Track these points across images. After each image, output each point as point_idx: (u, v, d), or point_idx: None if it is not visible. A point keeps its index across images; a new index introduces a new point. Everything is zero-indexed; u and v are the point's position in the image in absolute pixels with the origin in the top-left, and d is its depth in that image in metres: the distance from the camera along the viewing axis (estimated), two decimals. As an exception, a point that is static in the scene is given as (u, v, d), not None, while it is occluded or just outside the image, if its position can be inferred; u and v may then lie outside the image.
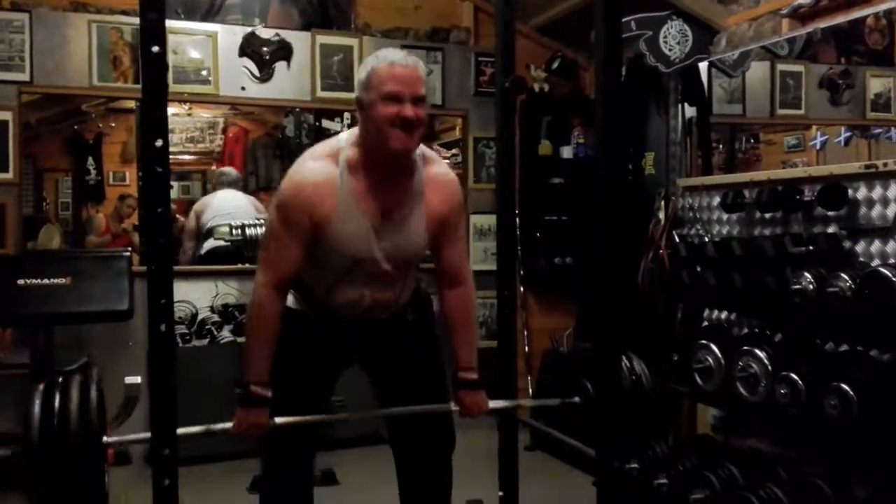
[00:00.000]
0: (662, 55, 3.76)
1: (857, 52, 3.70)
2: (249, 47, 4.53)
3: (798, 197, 2.94)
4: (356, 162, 2.13)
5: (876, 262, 2.65)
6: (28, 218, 5.78)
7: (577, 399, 2.53)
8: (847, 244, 2.76)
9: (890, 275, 2.39)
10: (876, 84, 3.73)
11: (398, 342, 2.37)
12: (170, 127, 2.05)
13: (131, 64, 4.30)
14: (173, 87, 4.20)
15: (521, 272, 4.91)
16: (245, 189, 6.52)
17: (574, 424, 4.14)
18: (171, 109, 6.26)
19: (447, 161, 5.61)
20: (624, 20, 3.43)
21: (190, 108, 7.24)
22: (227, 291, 4.53)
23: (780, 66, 3.84)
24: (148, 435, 1.96)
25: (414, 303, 2.41)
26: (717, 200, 3.40)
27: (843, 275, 2.55)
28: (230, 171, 5.73)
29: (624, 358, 2.51)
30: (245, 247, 4.25)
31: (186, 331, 4.34)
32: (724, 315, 3.43)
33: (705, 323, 3.51)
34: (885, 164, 2.68)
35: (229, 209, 5.04)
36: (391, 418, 2.44)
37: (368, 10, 4.91)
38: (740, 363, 2.88)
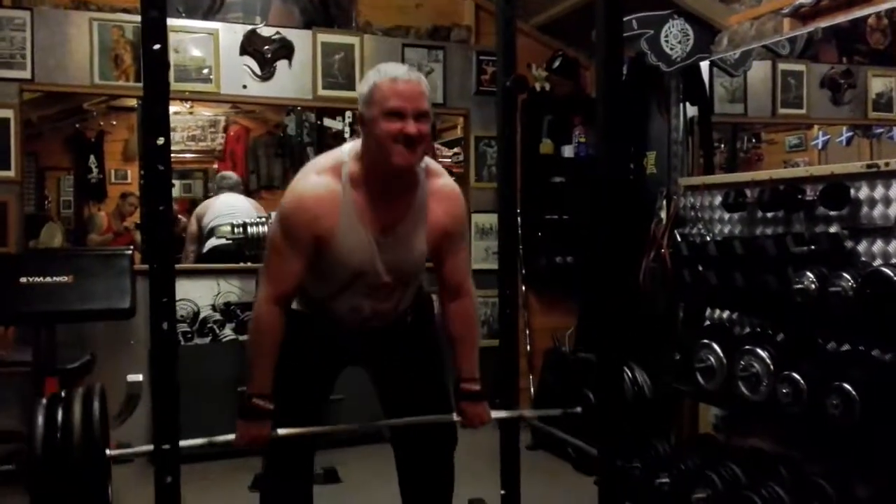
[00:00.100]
0: (664, 54, 3.76)
1: (858, 52, 3.69)
2: (251, 46, 4.53)
3: (800, 196, 2.94)
4: (359, 176, 2.13)
5: (878, 262, 2.65)
6: (30, 216, 5.79)
7: (578, 409, 2.52)
8: (849, 244, 2.75)
9: (892, 274, 2.39)
10: (877, 83, 3.73)
11: (398, 342, 2.37)
12: (171, 125, 2.05)
13: (133, 62, 4.30)
14: (175, 86, 4.20)
15: (523, 271, 4.91)
16: (246, 188, 6.54)
17: (575, 425, 4.15)
18: (173, 108, 6.26)
19: (448, 160, 5.62)
20: (625, 19, 3.44)
21: (191, 107, 7.24)
22: (229, 290, 4.54)
23: (782, 66, 3.84)
24: (151, 447, 1.96)
25: (414, 304, 2.41)
26: (718, 200, 3.40)
27: (845, 274, 2.55)
28: (230, 175, 5.75)
29: (626, 368, 2.50)
30: (246, 245, 4.25)
31: (188, 329, 4.35)
32: (725, 314, 3.42)
33: (707, 322, 3.51)
34: (887, 164, 2.67)
35: (230, 211, 5.05)
36: (393, 416, 2.44)
37: (369, 8, 4.91)
38: (742, 362, 2.88)
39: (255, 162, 7.51)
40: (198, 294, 4.47)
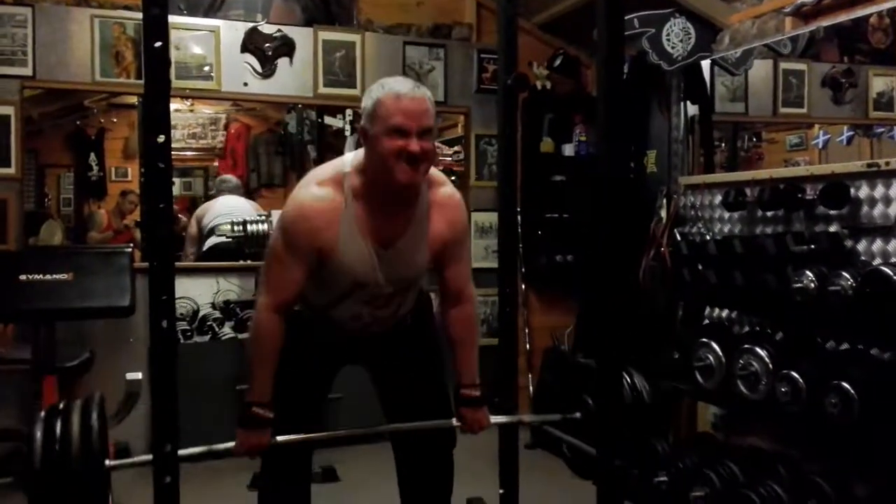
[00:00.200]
0: (665, 53, 3.75)
1: (859, 51, 3.69)
2: (252, 43, 4.52)
3: (800, 195, 2.94)
4: (360, 188, 2.12)
5: (877, 261, 2.66)
6: (30, 214, 5.79)
7: (577, 415, 2.52)
8: (849, 243, 2.75)
9: (891, 274, 2.39)
10: (878, 83, 3.73)
11: (398, 342, 2.38)
12: (172, 123, 2.05)
13: (134, 59, 4.29)
14: (175, 83, 4.21)
15: (523, 270, 4.91)
16: (247, 186, 6.55)
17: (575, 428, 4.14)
18: (174, 105, 6.24)
19: (449, 158, 5.62)
20: (626, 17, 3.43)
21: (192, 104, 7.24)
22: (229, 288, 4.54)
23: (783, 65, 3.84)
24: (150, 457, 1.96)
25: (414, 306, 2.41)
26: (718, 199, 3.40)
27: (845, 273, 2.55)
28: (230, 178, 5.79)
29: (625, 374, 2.51)
30: (246, 243, 4.25)
31: (188, 327, 4.35)
32: (725, 313, 3.43)
33: (706, 321, 3.51)
34: (888, 163, 2.67)
35: (230, 210, 5.05)
36: (392, 416, 2.44)
37: (371, 6, 4.91)
38: (741, 361, 2.88)
39: (256, 160, 7.52)
40: (197, 292, 4.47)
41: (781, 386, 2.70)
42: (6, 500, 3.42)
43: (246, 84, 4.57)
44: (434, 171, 2.25)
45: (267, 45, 4.55)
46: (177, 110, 7.16)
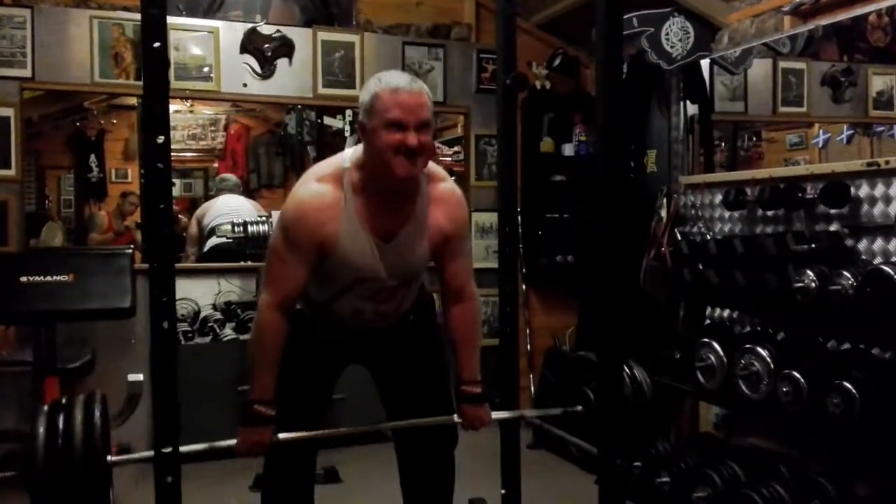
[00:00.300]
0: (664, 52, 3.75)
1: (859, 50, 3.69)
2: (251, 44, 4.52)
3: (800, 195, 2.94)
4: (360, 183, 2.12)
5: (878, 260, 2.66)
6: (30, 215, 5.79)
7: (578, 408, 2.52)
8: (849, 242, 2.75)
9: (892, 273, 2.39)
10: (878, 82, 3.73)
11: (400, 341, 2.38)
12: (171, 124, 2.04)
13: (133, 60, 4.29)
14: (175, 84, 4.20)
15: (523, 270, 4.91)
16: (246, 187, 6.55)
17: (576, 424, 4.14)
18: (173, 106, 6.26)
19: (449, 159, 5.61)
20: (625, 17, 3.43)
21: (192, 105, 7.24)
22: (230, 289, 4.54)
23: (783, 64, 3.84)
24: (151, 453, 1.95)
25: (416, 304, 2.41)
26: (719, 198, 3.40)
27: (846, 273, 2.55)
28: (230, 177, 5.78)
29: (626, 367, 2.51)
30: (247, 244, 4.25)
31: (189, 328, 4.35)
32: (726, 313, 3.42)
33: (707, 321, 3.51)
34: (888, 162, 2.67)
35: (230, 211, 5.05)
36: (394, 416, 2.44)
37: (370, 6, 4.91)
38: (742, 361, 2.88)
39: (256, 161, 7.51)
40: (198, 293, 4.47)
41: (783, 386, 2.70)
42: (6, 501, 3.42)
43: (245, 85, 4.57)
44: (434, 167, 2.25)
45: (266, 45, 4.54)
46: (176, 111, 7.15)
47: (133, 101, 6.10)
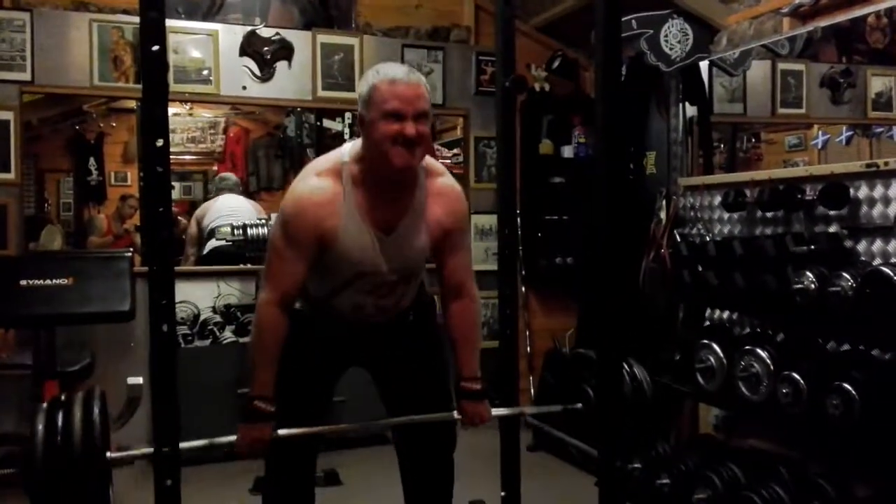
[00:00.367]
0: (663, 54, 3.75)
1: (858, 51, 3.70)
2: (250, 47, 4.53)
3: (799, 196, 2.94)
4: (359, 176, 2.13)
5: (877, 262, 2.65)
6: (29, 218, 5.79)
7: (578, 405, 2.52)
8: (848, 243, 2.76)
9: (891, 274, 2.39)
10: (877, 83, 3.73)
11: (400, 341, 2.38)
12: (171, 127, 2.04)
13: (132, 63, 4.30)
14: (174, 87, 4.21)
15: (523, 272, 4.91)
16: (246, 190, 6.54)
17: (576, 425, 4.14)
18: (172, 109, 6.26)
19: (448, 161, 5.62)
20: (624, 19, 3.43)
21: (191, 108, 7.24)
22: (230, 292, 4.54)
23: (781, 65, 3.84)
24: (151, 450, 1.95)
25: (416, 303, 2.41)
26: (718, 200, 3.40)
27: (845, 274, 2.55)
28: (229, 176, 5.74)
29: (625, 364, 2.50)
30: (247, 247, 4.24)
31: (188, 331, 4.35)
32: (725, 315, 3.42)
33: (707, 322, 3.51)
34: (887, 163, 2.68)
35: (230, 212, 5.05)
36: (394, 414, 2.44)
37: (369, 9, 4.91)
38: (742, 363, 2.88)
39: (255, 163, 7.51)
40: (198, 296, 4.47)
41: (783, 387, 2.70)
42: (6, 502, 3.42)
43: (245, 88, 4.57)
44: (433, 162, 2.27)
45: (265, 48, 4.55)
46: (175, 114, 7.15)
47: (132, 104, 6.11)
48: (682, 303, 3.64)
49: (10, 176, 4.16)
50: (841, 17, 3.29)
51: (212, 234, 4.95)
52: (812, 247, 2.78)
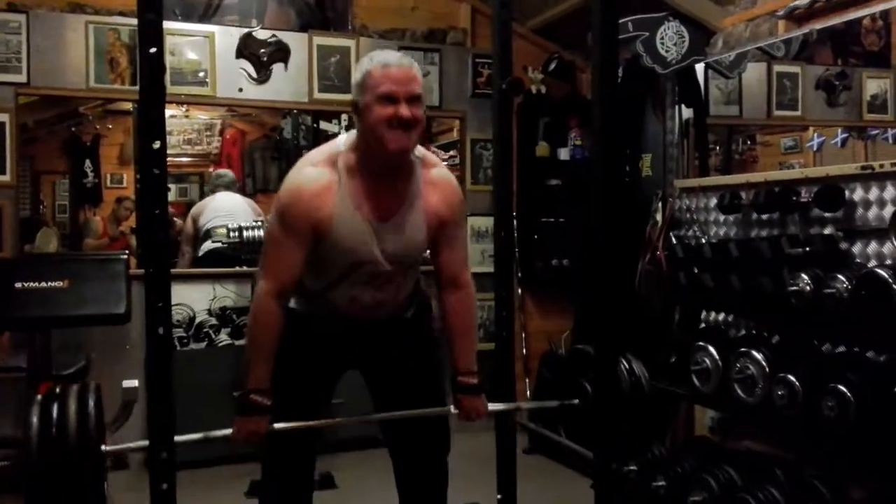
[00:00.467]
0: (659, 56, 3.76)
1: (853, 54, 3.71)
2: (247, 49, 4.52)
3: (795, 198, 2.95)
4: (354, 165, 2.14)
5: (872, 263, 2.66)
6: (25, 220, 5.76)
7: (575, 401, 2.52)
8: (844, 245, 2.76)
9: (886, 276, 2.39)
10: (872, 85, 3.74)
11: (396, 340, 2.37)
12: (167, 129, 2.04)
13: (128, 65, 4.29)
14: (171, 89, 4.19)
15: (519, 274, 4.91)
16: (242, 191, 6.52)
17: (572, 427, 4.15)
18: (169, 111, 6.24)
19: (445, 163, 5.61)
20: (620, 21, 3.44)
21: (187, 110, 7.22)
22: (225, 294, 4.53)
23: (777, 68, 3.85)
24: (146, 443, 1.95)
25: (413, 302, 2.40)
26: (713, 202, 3.40)
27: (840, 276, 2.55)
28: (226, 172, 5.70)
29: (623, 360, 2.51)
30: (242, 249, 4.24)
31: (184, 334, 4.35)
32: (721, 317, 3.43)
33: (703, 324, 3.52)
34: (882, 166, 2.68)
35: (227, 210, 5.04)
36: (386, 423, 2.44)
37: (365, 11, 4.91)
38: (738, 365, 2.88)
39: (252, 165, 7.50)
40: (194, 298, 4.46)
41: (778, 389, 2.70)
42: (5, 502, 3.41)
43: (241, 90, 4.57)
44: (428, 153, 2.29)
45: (262, 50, 4.55)
46: (172, 116, 7.14)
47: (129, 106, 6.07)
48: (677, 305, 3.65)
49: (6, 178, 4.14)
50: (836, 20, 3.30)
51: (207, 234, 4.94)
52: (807, 249, 2.79)
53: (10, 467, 3.33)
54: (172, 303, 1.99)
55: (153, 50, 1.89)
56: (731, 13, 3.83)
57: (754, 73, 3.88)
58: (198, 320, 4.45)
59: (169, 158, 2.06)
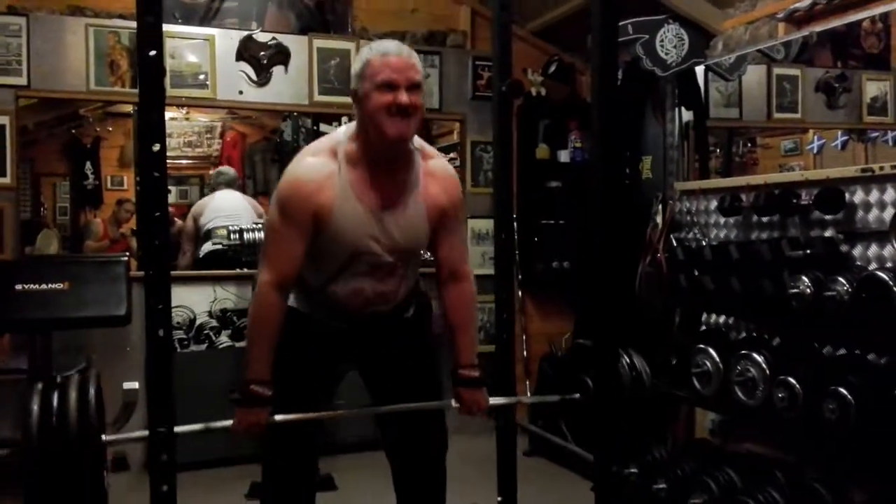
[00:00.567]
0: (659, 59, 3.76)
1: (853, 56, 3.71)
2: (247, 51, 4.53)
3: (795, 201, 2.95)
4: (355, 155, 2.15)
5: (873, 266, 2.66)
6: (26, 223, 5.78)
7: (577, 395, 2.51)
8: (844, 248, 2.76)
9: (887, 278, 2.39)
10: (872, 87, 3.74)
11: (396, 339, 2.36)
12: (167, 131, 2.05)
13: (129, 68, 4.29)
14: (171, 92, 4.20)
15: (519, 276, 4.91)
16: (242, 193, 6.52)
17: (573, 423, 4.14)
18: (169, 113, 6.25)
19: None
20: (620, 24, 3.44)
21: (187, 113, 7.23)
22: (226, 296, 4.53)
23: (777, 70, 3.85)
24: (146, 433, 1.95)
25: (413, 301, 2.40)
26: (714, 204, 3.40)
27: (841, 279, 2.55)
28: (228, 170, 5.68)
29: (623, 354, 2.50)
30: (243, 251, 4.24)
31: (184, 336, 4.35)
32: (721, 319, 3.43)
33: (703, 327, 3.51)
34: (882, 168, 2.68)
35: (227, 211, 5.04)
36: (384, 424, 2.44)
37: (365, 13, 4.91)
38: (738, 367, 2.88)
39: (252, 167, 7.50)
40: (194, 300, 4.46)
41: (779, 392, 2.70)
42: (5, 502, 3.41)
43: (241, 92, 4.57)
44: (427, 146, 2.30)
45: (262, 53, 4.55)
46: (172, 119, 7.15)
47: (129, 108, 6.08)
48: (678, 307, 3.64)
49: (7, 180, 4.15)
50: (836, 22, 3.30)
51: (208, 235, 4.95)
52: (808, 251, 2.79)
53: (9, 456, 3.32)
54: (173, 305, 2.00)
55: (153, 53, 1.89)
56: (730, 16, 3.83)
57: (754, 75, 3.88)
58: (198, 322, 4.44)
59: (169, 161, 2.06)
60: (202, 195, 7.71)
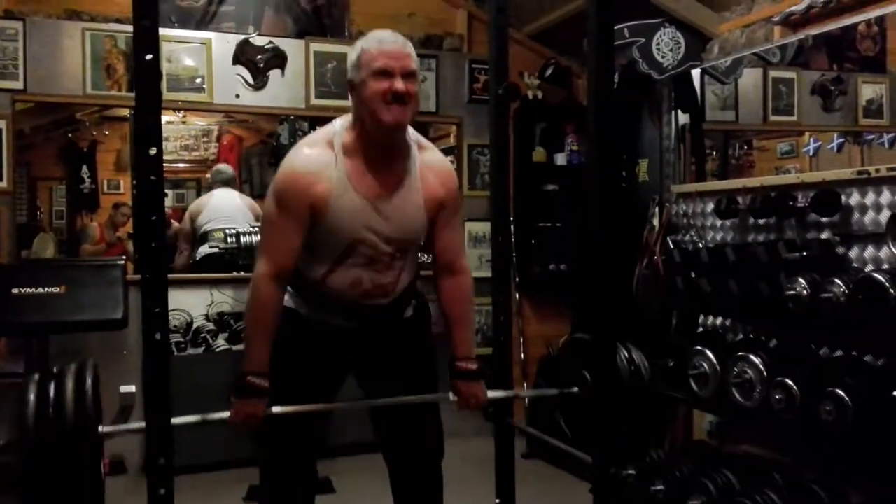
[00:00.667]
0: (655, 62, 3.77)
1: (848, 59, 3.72)
2: (243, 55, 4.53)
3: (791, 203, 2.95)
4: (351, 145, 2.16)
5: (869, 268, 2.66)
6: (22, 226, 5.78)
7: (575, 389, 2.51)
8: (840, 250, 2.76)
9: (883, 280, 2.40)
10: (868, 90, 3.76)
11: (394, 340, 2.36)
12: (164, 135, 2.05)
13: (125, 72, 4.30)
14: (167, 95, 4.20)
15: (516, 279, 4.92)
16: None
17: (571, 419, 4.13)
18: (165, 117, 6.26)
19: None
20: (617, 27, 3.44)
21: (184, 116, 7.23)
22: (223, 300, 4.53)
23: (773, 73, 3.87)
24: (142, 425, 1.95)
25: (412, 301, 2.40)
26: (710, 207, 3.41)
27: (837, 280, 2.56)
28: (226, 168, 5.67)
29: (622, 348, 2.49)
30: (239, 254, 4.24)
31: (181, 339, 4.34)
32: (718, 321, 3.43)
33: (700, 329, 3.52)
34: (878, 170, 2.69)
35: (225, 212, 5.04)
36: (380, 422, 2.44)
37: (362, 17, 4.92)
38: (735, 369, 2.88)
39: (249, 171, 7.50)
40: (191, 304, 4.46)
41: (776, 393, 2.70)
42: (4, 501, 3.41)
43: (238, 96, 4.58)
44: (423, 139, 2.31)
45: (259, 57, 4.56)
46: (169, 122, 7.14)
47: (125, 112, 6.08)
48: (675, 309, 3.65)
49: (3, 184, 4.15)
50: (832, 26, 3.31)
51: (205, 237, 4.95)
52: (804, 253, 2.79)
53: (6, 447, 3.29)
54: (169, 308, 2.00)
55: (149, 57, 1.90)
56: (727, 19, 3.85)
57: (750, 78, 3.89)
58: (195, 325, 4.44)
59: (166, 164, 2.07)
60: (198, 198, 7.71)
